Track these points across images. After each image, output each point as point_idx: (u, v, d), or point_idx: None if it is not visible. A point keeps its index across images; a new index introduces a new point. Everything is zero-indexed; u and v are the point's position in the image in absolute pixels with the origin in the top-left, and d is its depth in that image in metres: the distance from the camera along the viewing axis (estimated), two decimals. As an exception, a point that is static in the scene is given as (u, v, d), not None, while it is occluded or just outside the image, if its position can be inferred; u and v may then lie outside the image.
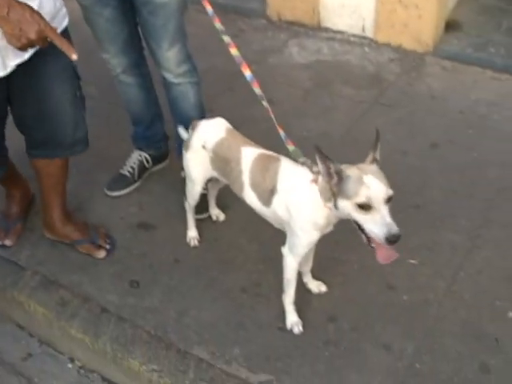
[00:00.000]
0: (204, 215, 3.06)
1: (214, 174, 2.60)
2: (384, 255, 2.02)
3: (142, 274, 2.83)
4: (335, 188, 2.01)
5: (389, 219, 1.92)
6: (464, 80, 4.09)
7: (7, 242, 2.92)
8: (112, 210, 3.20)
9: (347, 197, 1.96)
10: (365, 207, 1.93)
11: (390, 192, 1.94)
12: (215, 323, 2.57)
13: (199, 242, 2.95)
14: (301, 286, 2.63)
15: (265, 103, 2.41)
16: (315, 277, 2.68)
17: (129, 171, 3.30)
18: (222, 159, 2.48)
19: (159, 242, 2.99)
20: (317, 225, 2.19)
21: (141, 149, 3.34)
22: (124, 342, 2.54)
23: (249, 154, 2.40)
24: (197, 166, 2.62)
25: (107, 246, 2.94)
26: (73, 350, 2.72)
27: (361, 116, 3.78)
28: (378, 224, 1.93)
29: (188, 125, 2.77)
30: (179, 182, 3.03)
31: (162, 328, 2.58)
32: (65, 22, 2.36)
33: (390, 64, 4.27)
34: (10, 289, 2.79)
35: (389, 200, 1.94)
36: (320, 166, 2.03)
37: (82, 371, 2.68)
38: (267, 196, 2.31)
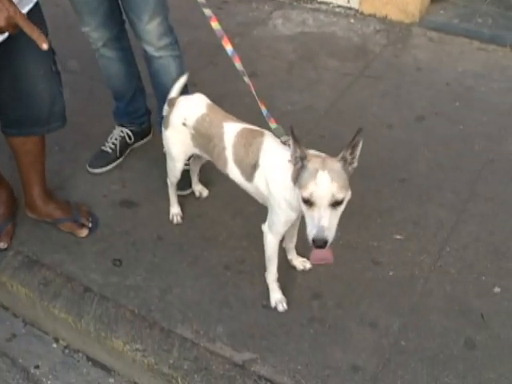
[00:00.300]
0: (187, 191, 3.01)
1: (196, 150, 2.54)
2: (317, 255, 1.95)
3: (124, 252, 2.78)
4: (296, 173, 1.98)
5: (323, 222, 1.85)
6: (451, 51, 4.02)
7: (1, 245, 2.81)
8: (94, 187, 3.14)
9: (299, 185, 1.93)
10: (308, 202, 1.89)
11: (339, 197, 1.87)
12: (199, 301, 2.54)
13: (182, 218, 2.90)
14: (285, 263, 2.60)
15: (246, 79, 2.33)
16: (300, 253, 2.64)
17: (111, 148, 3.23)
18: (203, 136, 2.41)
19: (142, 220, 2.94)
20: (291, 205, 2.14)
21: (123, 125, 3.27)
22: (107, 322, 2.50)
23: (232, 130, 2.34)
24: (177, 143, 2.55)
25: (89, 225, 2.89)
26: (57, 330, 2.68)
27: (346, 88, 3.71)
28: (311, 223, 1.88)
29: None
30: (162, 158, 2.95)
31: (145, 307, 2.54)
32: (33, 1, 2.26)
33: (376, 35, 4.19)
34: (-9, 269, 2.74)
35: (336, 204, 1.88)
36: (291, 148, 1.99)
37: (66, 351, 2.65)
38: (250, 171, 2.26)
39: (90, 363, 2.59)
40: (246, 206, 2.82)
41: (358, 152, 1.94)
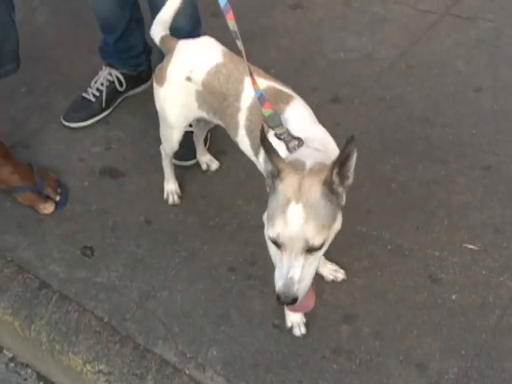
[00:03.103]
0: (189, 162, 2.98)
1: (202, 114, 2.48)
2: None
3: (99, 237, 2.79)
4: (268, 189, 1.92)
5: (293, 273, 1.79)
6: None
7: None
8: (68, 147, 3.14)
9: (267, 216, 1.87)
10: (276, 244, 1.82)
11: (315, 243, 1.78)
12: (189, 312, 2.52)
13: (180, 198, 2.89)
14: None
15: (239, 43, 2.25)
16: (330, 258, 2.58)
17: (94, 95, 3.23)
18: (216, 93, 2.34)
19: (127, 196, 2.94)
20: None
21: (112, 65, 3.25)
22: (65, 331, 2.51)
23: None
24: (176, 105, 2.48)
25: (57, 198, 2.90)
26: (1, 337, 2.71)
27: (423, 33, 3.61)
28: (279, 270, 1.82)
29: (176, 35, 2.64)
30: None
31: (117, 314, 2.53)
32: None
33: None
34: None
35: (311, 250, 1.79)
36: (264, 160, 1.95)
37: (11, 365, 2.69)
38: (258, 144, 2.19)
39: (41, 383, 2.61)
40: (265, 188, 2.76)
41: (352, 166, 1.83)
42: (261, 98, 2.15)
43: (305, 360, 2.37)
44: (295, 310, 1.93)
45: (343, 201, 1.89)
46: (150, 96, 3.28)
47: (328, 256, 2.56)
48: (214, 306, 2.53)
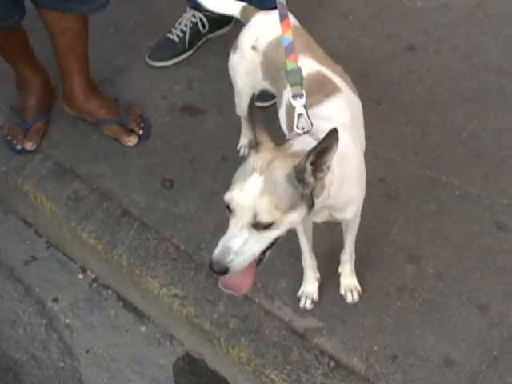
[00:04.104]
0: (268, 102, 2.92)
1: (266, 85, 2.37)
2: (225, 280, 1.76)
3: (178, 171, 2.79)
4: None
5: (233, 243, 1.66)
6: None
7: (28, 145, 2.88)
8: (152, 85, 3.14)
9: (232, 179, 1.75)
10: (228, 208, 1.69)
11: (262, 219, 1.63)
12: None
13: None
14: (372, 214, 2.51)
15: None
16: (396, 198, 2.54)
17: (178, 36, 3.21)
18: (274, 65, 2.25)
19: (206, 133, 2.93)
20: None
21: (196, 8, 3.21)
22: (144, 256, 2.54)
23: (304, 67, 2.07)
24: (243, 73, 2.41)
25: (140, 132, 2.91)
26: (85, 259, 2.77)
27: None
28: (223, 237, 1.68)
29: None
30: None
31: (193, 243, 2.56)
32: None
33: None
34: (14, 175, 2.83)
35: (258, 226, 1.65)
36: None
37: (94, 285, 2.74)
38: (291, 127, 2.10)
39: (120, 304, 2.67)
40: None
41: (328, 160, 1.67)
42: (288, 47, 1.97)
43: (369, 295, 2.36)
44: (225, 287, 1.76)
45: (311, 192, 1.71)
46: (230, 39, 3.25)
47: (394, 196, 2.53)
48: (284, 240, 2.51)
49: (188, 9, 3.24)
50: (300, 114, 1.87)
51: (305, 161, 1.64)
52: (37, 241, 2.87)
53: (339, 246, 2.34)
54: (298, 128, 1.84)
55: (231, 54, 2.46)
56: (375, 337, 2.26)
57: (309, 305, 2.37)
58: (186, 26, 3.21)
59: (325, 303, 2.35)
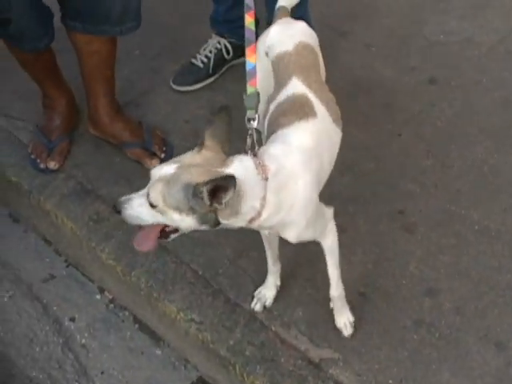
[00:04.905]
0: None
1: None
2: (137, 237, 1.93)
3: (199, 196, 2.77)
4: None
5: (132, 198, 1.83)
6: None
7: (51, 164, 2.87)
8: (175, 109, 3.14)
9: None
10: None
11: (150, 198, 1.76)
12: (281, 270, 2.46)
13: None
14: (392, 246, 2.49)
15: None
16: (415, 231, 2.52)
17: (203, 61, 3.21)
18: (276, 77, 2.24)
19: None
20: None
21: (221, 34, 3.23)
22: (162, 279, 2.53)
23: (292, 87, 2.14)
24: (260, 77, 2.35)
25: (162, 155, 2.90)
26: (104, 279, 2.76)
27: (528, 19, 3.47)
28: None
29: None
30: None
31: (212, 268, 2.54)
32: None
33: None
34: (37, 193, 2.83)
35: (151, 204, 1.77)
36: None
37: (111, 306, 2.72)
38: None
39: (136, 326, 2.65)
40: (360, 162, 2.73)
41: (222, 199, 1.70)
42: (250, 72, 2.03)
43: (386, 328, 2.33)
44: (134, 241, 1.93)
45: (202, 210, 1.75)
46: (253, 66, 3.30)
47: (411, 228, 2.51)
48: (302, 269, 2.51)
49: (213, 35, 3.25)
50: (251, 135, 1.93)
51: (202, 186, 1.69)
52: (56, 259, 2.86)
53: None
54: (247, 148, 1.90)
55: None
56: (391, 370, 2.23)
57: (258, 307, 2.41)
58: (210, 52, 3.21)
59: (340, 334, 2.32)
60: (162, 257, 2.59)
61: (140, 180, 2.79)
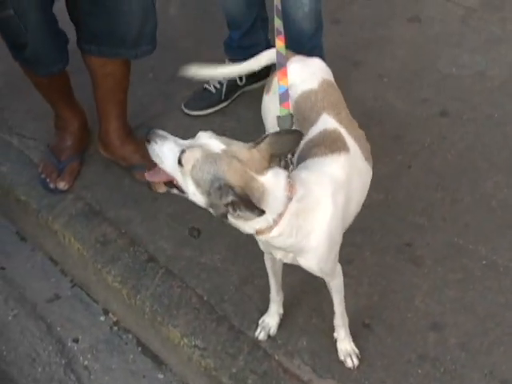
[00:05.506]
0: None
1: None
2: (154, 170, 1.97)
3: (206, 221, 2.73)
4: None
5: (171, 140, 1.86)
6: None
7: (61, 185, 2.89)
8: (187, 132, 3.00)
9: None
10: None
11: (181, 155, 1.81)
12: (284, 301, 2.45)
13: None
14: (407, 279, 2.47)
15: (278, 23, 2.20)
16: (422, 264, 2.51)
17: (215, 87, 3.23)
18: (300, 114, 2.21)
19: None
20: None
21: (234, 60, 3.20)
22: (167, 304, 2.52)
23: (323, 123, 2.14)
24: (274, 114, 2.31)
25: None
26: (108, 301, 2.75)
27: (540, 55, 3.46)
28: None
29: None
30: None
31: (217, 294, 2.53)
32: None
33: None
34: (45, 212, 2.83)
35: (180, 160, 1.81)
36: None
37: (115, 328, 2.71)
38: None
39: (139, 349, 2.64)
40: (369, 192, 2.69)
41: (238, 212, 1.75)
42: (283, 95, 2.07)
43: (390, 362, 2.31)
44: (148, 174, 2.00)
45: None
46: (265, 92, 3.31)
47: (418, 261, 2.50)
48: (308, 297, 2.49)
49: (226, 61, 3.24)
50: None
51: (231, 188, 1.72)
52: (61, 279, 2.86)
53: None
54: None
55: (264, 94, 2.43)
56: (394, 404, 2.21)
57: (262, 336, 2.40)
58: (223, 78, 3.21)
59: (344, 366, 2.29)
60: (168, 281, 2.58)
61: (149, 203, 2.84)
